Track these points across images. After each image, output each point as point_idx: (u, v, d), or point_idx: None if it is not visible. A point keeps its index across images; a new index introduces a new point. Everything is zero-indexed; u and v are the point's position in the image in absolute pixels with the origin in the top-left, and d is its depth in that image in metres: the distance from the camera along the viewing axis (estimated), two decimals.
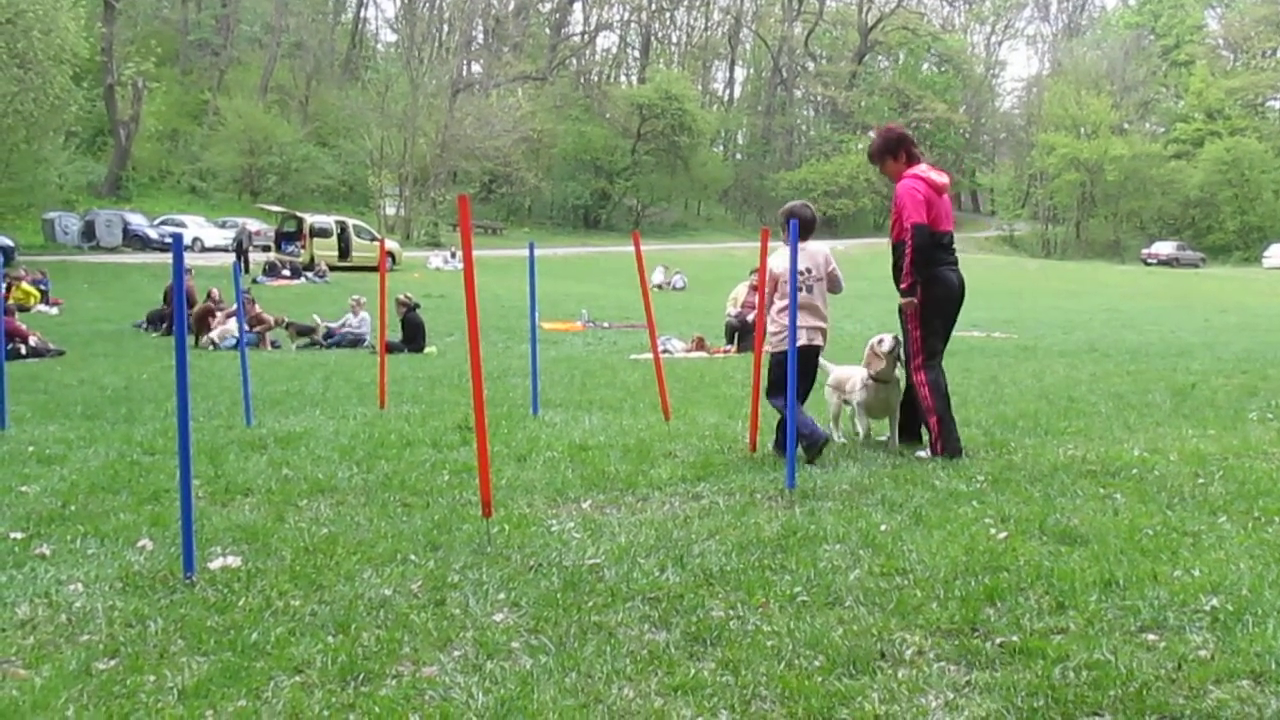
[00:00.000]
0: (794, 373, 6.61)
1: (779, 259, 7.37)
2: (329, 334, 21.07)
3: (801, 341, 7.12)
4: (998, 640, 3.82)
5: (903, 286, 7.31)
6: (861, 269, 50.99)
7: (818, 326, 7.40)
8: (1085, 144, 77.38)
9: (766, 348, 7.55)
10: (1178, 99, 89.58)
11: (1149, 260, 68.45)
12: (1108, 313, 32.24)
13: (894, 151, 7.65)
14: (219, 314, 20.82)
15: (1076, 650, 3.70)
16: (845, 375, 8.00)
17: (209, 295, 22.14)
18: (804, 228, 7.06)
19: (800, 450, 6.91)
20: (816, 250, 7.44)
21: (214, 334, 20.33)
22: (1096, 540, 4.97)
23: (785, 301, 7.11)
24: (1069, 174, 77.96)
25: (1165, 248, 70.39)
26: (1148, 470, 6.45)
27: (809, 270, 7.35)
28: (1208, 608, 4.06)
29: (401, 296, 19.84)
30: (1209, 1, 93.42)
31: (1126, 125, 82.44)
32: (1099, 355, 15.98)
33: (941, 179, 7.51)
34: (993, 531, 5.16)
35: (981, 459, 7.07)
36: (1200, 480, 6.16)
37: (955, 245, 7.68)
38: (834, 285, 7.53)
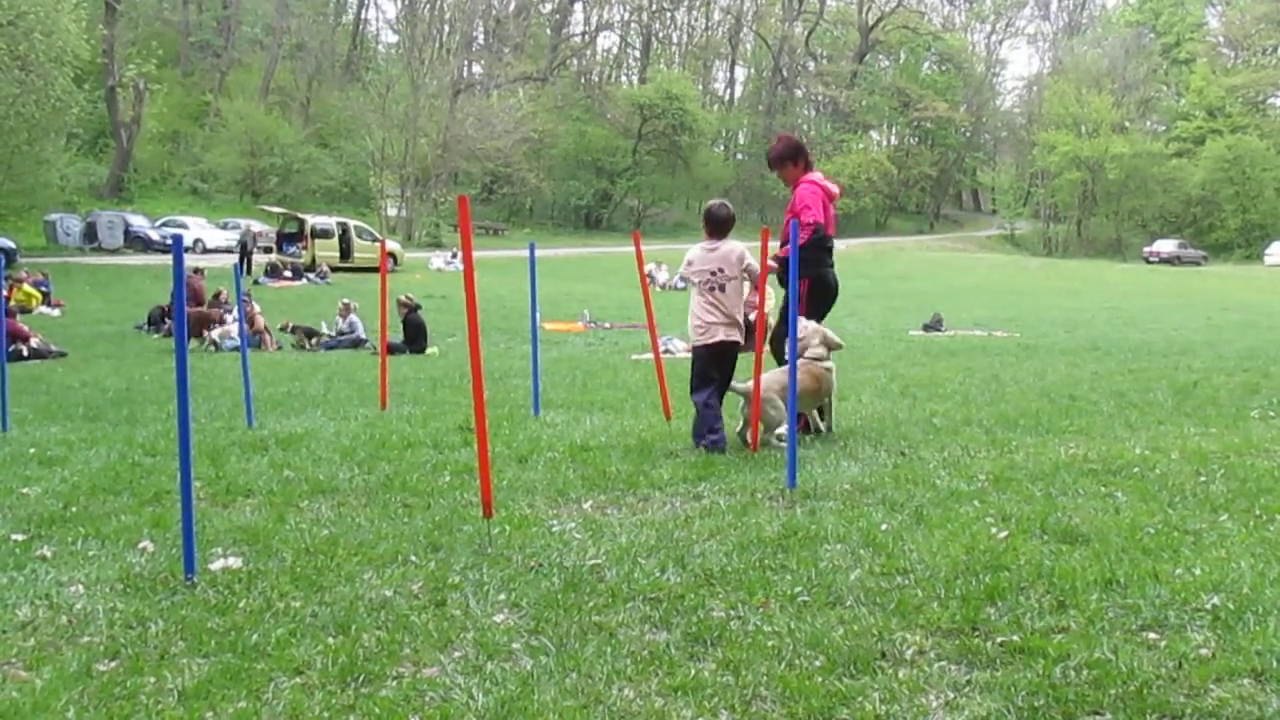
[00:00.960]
0: (794, 380, 6.61)
1: (694, 251, 7.80)
2: (330, 344, 20.97)
3: (718, 338, 7.64)
4: (998, 640, 3.82)
5: (779, 254, 7.66)
6: (863, 268, 51.05)
7: (731, 323, 7.68)
8: (1086, 142, 77.31)
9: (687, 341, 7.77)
10: (1179, 97, 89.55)
11: (1151, 258, 68.40)
12: (1109, 311, 32.25)
13: (794, 158, 8.20)
14: (222, 315, 20.83)
15: (1077, 649, 3.70)
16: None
17: (216, 296, 22.17)
18: (720, 226, 7.70)
19: (702, 440, 7.51)
20: (730, 250, 7.68)
21: (214, 334, 20.34)
22: (1098, 539, 4.96)
23: (701, 299, 7.66)
24: (1070, 172, 77.91)
25: (1167, 246, 70.34)
26: (1149, 469, 6.44)
27: (720, 270, 7.63)
28: (1209, 606, 4.05)
29: (403, 297, 19.85)
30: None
31: (1127, 123, 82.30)
32: (1101, 353, 15.99)
33: (834, 188, 8.24)
34: (994, 531, 5.16)
35: (983, 458, 7.07)
36: (1202, 478, 6.16)
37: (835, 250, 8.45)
38: (752, 278, 7.83)
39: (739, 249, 7.70)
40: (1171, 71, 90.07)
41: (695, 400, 7.73)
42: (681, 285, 41.51)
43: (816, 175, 8.19)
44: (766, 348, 8.08)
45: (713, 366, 7.71)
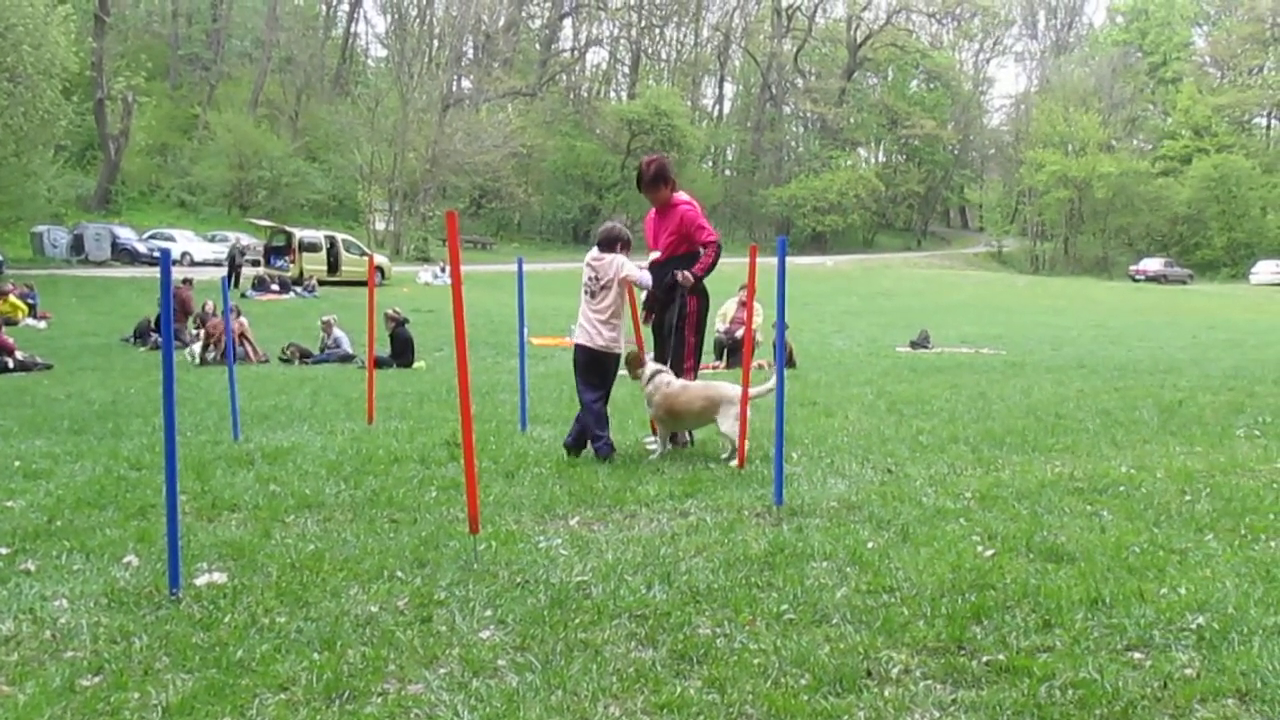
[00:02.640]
0: (781, 389, 6.62)
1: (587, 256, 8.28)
2: (318, 359, 20.85)
3: (580, 340, 8.18)
4: (984, 659, 3.83)
5: (696, 270, 8.16)
6: (852, 285, 51.23)
7: (599, 331, 8.08)
8: (1074, 161, 77.65)
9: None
10: (1165, 116, 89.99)
11: (1137, 276, 68.65)
12: (1096, 329, 32.34)
13: (667, 179, 8.41)
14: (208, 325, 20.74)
15: (1063, 669, 3.70)
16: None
17: (204, 308, 22.09)
18: (604, 244, 8.18)
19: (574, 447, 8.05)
20: (612, 260, 8.08)
21: (195, 347, 20.23)
22: (1083, 558, 4.98)
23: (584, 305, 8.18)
24: (1057, 190, 78.20)
25: (1153, 264, 70.60)
26: (1135, 487, 6.46)
27: (595, 278, 8.09)
28: (1194, 626, 4.07)
29: (390, 311, 19.81)
30: (1196, 19, 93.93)
31: (1114, 142, 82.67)
32: (1087, 372, 16.02)
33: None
34: (980, 549, 5.17)
35: (969, 476, 7.08)
36: (1187, 497, 6.18)
37: None
38: (640, 283, 8.17)
39: (618, 260, 8.09)
40: (1158, 91, 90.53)
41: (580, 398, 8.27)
42: None
43: (684, 194, 8.51)
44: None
45: (582, 369, 8.20)
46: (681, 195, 8.48)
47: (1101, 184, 75.99)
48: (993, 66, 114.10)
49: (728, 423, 7.75)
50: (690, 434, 8.59)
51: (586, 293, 8.13)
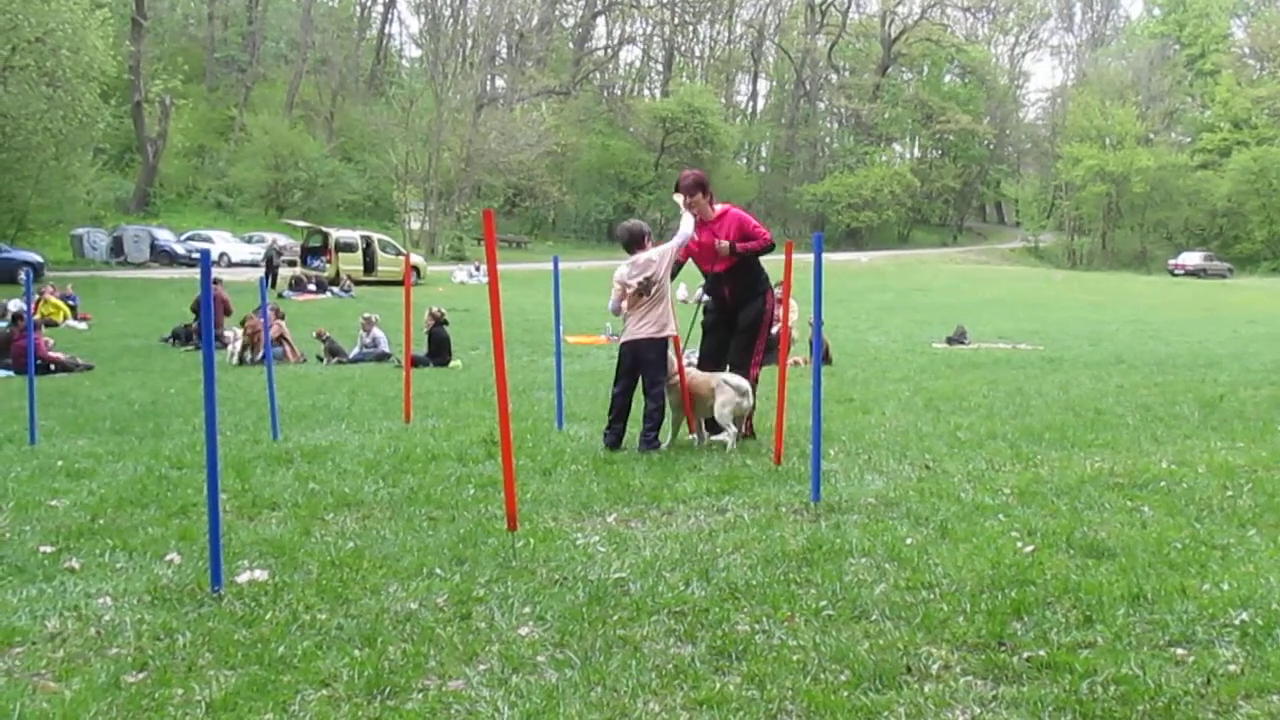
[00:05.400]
0: (819, 385, 6.61)
1: (623, 268, 8.51)
2: (356, 357, 20.99)
3: (641, 336, 8.37)
4: (1025, 655, 3.81)
5: (740, 247, 8.50)
6: (887, 281, 50.97)
7: (655, 323, 8.35)
8: (1111, 155, 76.91)
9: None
10: (1204, 108, 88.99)
11: (1176, 271, 67.94)
12: (1134, 324, 32.05)
13: (705, 189, 8.70)
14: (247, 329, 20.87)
15: (1104, 665, 3.68)
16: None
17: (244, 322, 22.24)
18: (630, 244, 8.55)
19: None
20: (649, 258, 8.39)
21: (235, 347, 20.39)
22: (1124, 554, 4.94)
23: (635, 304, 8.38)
24: (1095, 185, 77.48)
25: (1192, 258, 69.87)
26: (1176, 483, 6.41)
27: (648, 279, 8.32)
28: (1237, 622, 4.03)
29: (434, 309, 19.88)
30: (1234, 10, 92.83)
31: (1152, 135, 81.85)
32: (1126, 367, 15.90)
33: None
34: (1019, 545, 5.14)
35: (1008, 472, 7.05)
36: (1229, 493, 6.12)
37: None
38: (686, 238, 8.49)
39: (654, 253, 8.41)
40: (1196, 83, 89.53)
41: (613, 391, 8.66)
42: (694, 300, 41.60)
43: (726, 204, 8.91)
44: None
45: (630, 363, 8.47)
46: (724, 204, 8.86)
47: (1139, 178, 75.27)
48: (1028, 60, 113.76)
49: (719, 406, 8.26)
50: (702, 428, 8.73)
51: (639, 294, 8.31)
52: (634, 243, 8.55)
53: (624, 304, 8.43)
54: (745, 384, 8.36)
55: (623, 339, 8.62)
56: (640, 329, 8.35)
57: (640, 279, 8.29)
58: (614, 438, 8.41)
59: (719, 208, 8.74)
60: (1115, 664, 3.68)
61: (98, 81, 40.15)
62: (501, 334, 5.61)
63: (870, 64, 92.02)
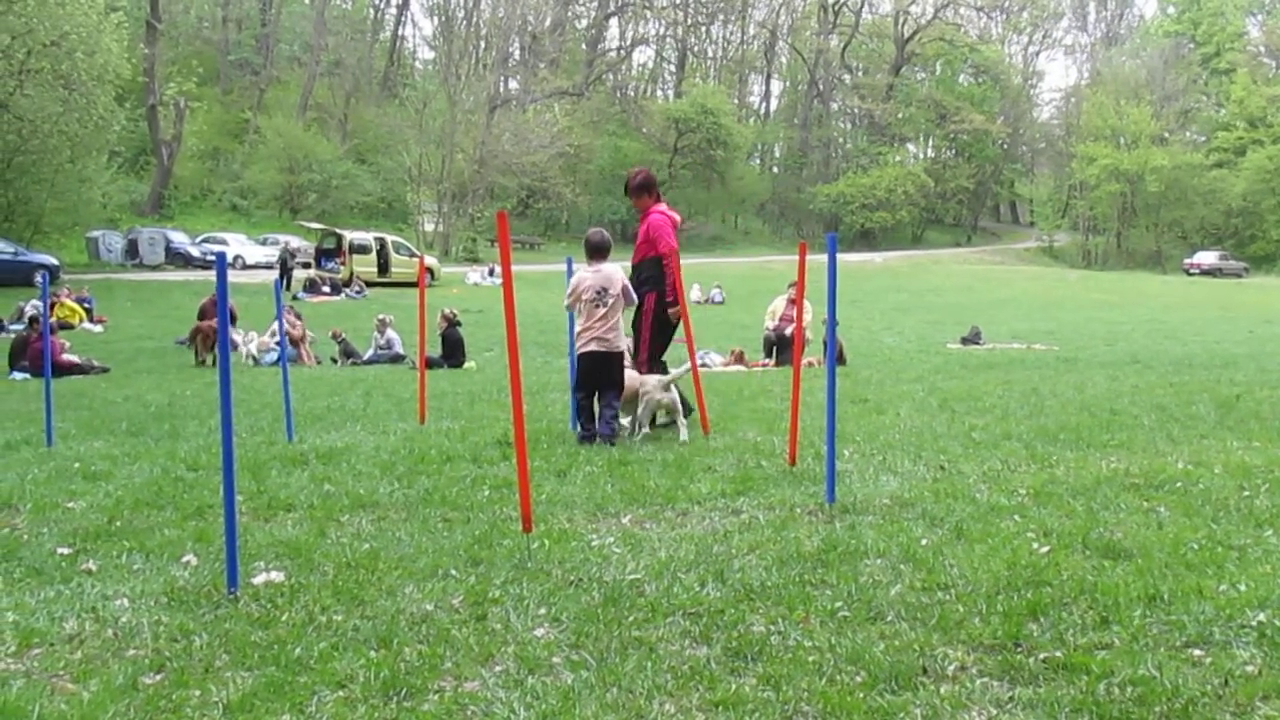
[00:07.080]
0: (832, 385, 6.60)
1: (583, 274, 8.88)
2: (370, 359, 21.07)
3: (590, 349, 8.70)
4: (1041, 656, 3.80)
5: (669, 299, 9.11)
6: (901, 281, 50.92)
7: (604, 337, 8.73)
8: (1126, 154, 76.70)
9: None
10: (1219, 107, 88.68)
11: (1191, 270, 67.75)
12: (1150, 324, 31.97)
13: (650, 189, 9.33)
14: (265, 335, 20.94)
15: (1121, 666, 3.67)
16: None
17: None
18: (598, 252, 8.87)
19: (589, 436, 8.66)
20: (612, 271, 8.82)
21: (252, 347, 20.47)
22: (1140, 554, 4.92)
23: (585, 315, 8.79)
24: (1109, 185, 77.31)
25: (1208, 258, 69.66)
26: (1192, 483, 6.38)
27: (605, 289, 8.73)
28: (1254, 623, 4.01)
29: (446, 311, 19.93)
30: (1250, 8, 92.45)
31: (1167, 135, 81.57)
32: (1141, 367, 15.85)
33: (676, 217, 9.41)
34: (1035, 546, 5.13)
35: (1023, 472, 7.03)
36: (1245, 493, 6.09)
37: None
38: (628, 299, 8.94)
39: (617, 270, 8.87)
40: (1211, 82, 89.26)
41: (574, 397, 9.12)
42: (720, 300, 41.66)
43: (663, 205, 9.35)
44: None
45: (591, 373, 8.76)
46: (661, 206, 9.32)
47: (1154, 177, 75.07)
48: (1042, 59, 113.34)
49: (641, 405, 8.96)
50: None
51: (596, 305, 8.72)
52: (603, 252, 8.94)
53: (577, 307, 8.88)
54: (653, 380, 8.95)
55: (580, 349, 8.88)
56: (590, 343, 8.74)
57: (599, 289, 8.70)
58: (588, 435, 8.74)
59: (661, 207, 9.26)
60: (1132, 665, 3.67)
61: (113, 84, 40.33)
62: (516, 335, 5.62)
63: (883, 64, 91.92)
